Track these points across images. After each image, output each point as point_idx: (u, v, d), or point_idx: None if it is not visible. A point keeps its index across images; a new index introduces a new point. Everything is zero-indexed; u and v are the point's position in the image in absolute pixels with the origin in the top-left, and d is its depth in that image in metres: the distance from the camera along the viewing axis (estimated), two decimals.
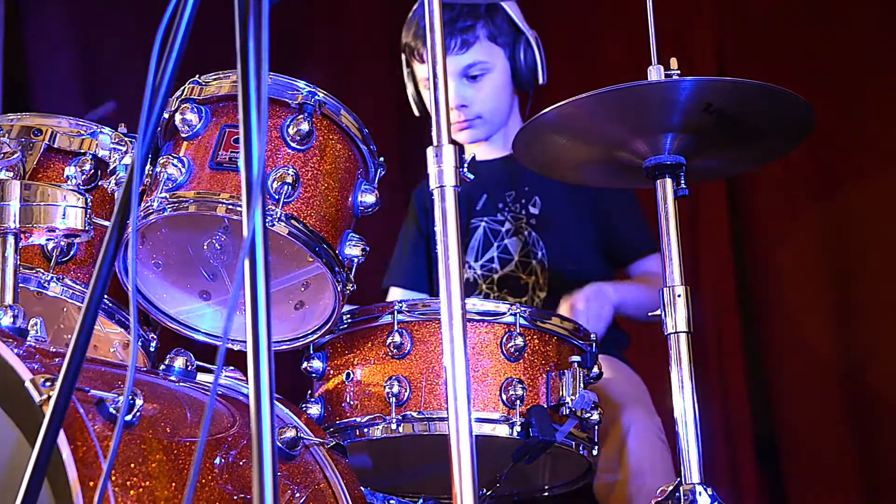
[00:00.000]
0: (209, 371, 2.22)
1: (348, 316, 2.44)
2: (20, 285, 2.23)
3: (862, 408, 3.82)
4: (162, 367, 2.21)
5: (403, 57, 3.38)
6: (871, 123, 3.86)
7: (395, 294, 3.43)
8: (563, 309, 3.03)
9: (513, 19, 3.30)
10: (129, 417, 1.86)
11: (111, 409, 1.86)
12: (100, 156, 2.36)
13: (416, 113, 3.41)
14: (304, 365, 2.48)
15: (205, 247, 2.37)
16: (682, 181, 2.45)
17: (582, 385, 2.42)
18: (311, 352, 2.47)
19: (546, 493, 2.76)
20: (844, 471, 3.82)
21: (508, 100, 3.36)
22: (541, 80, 3.32)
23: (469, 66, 3.28)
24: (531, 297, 3.22)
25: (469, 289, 3.30)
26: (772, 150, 2.68)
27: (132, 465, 1.84)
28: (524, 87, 3.35)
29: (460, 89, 3.28)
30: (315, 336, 2.38)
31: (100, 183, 2.36)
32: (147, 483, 1.83)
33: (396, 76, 3.45)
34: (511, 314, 2.42)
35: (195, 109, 2.26)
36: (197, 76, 2.30)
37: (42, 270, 2.35)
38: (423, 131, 2.11)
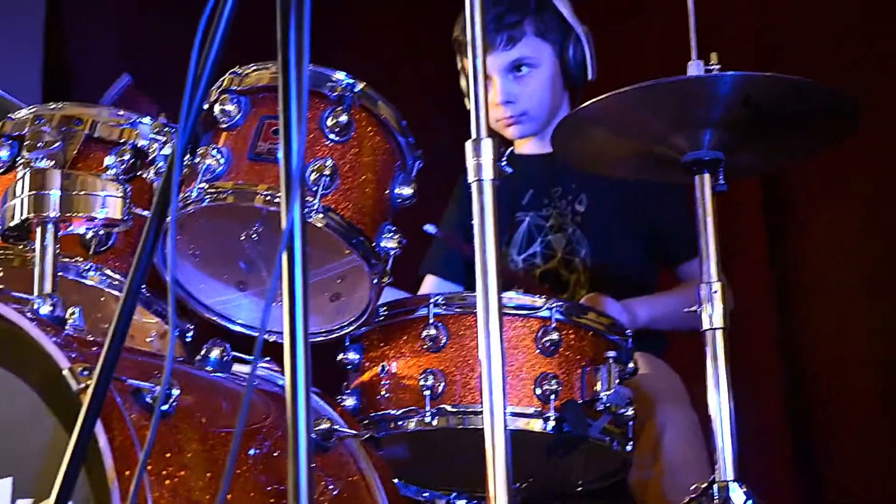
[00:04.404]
0: (245, 362, 2.23)
1: (384, 308, 2.44)
2: (59, 274, 2.24)
3: None
4: (198, 357, 2.21)
5: (456, 51, 3.36)
6: None
7: (431, 283, 3.41)
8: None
9: (562, 14, 3.28)
10: (165, 407, 1.87)
11: (148, 399, 1.87)
12: (140, 146, 2.35)
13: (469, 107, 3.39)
14: (340, 356, 2.48)
15: (242, 237, 2.37)
16: (721, 177, 2.44)
17: (617, 381, 2.41)
18: (348, 343, 2.48)
19: (580, 489, 2.75)
20: (883, 467, 3.78)
21: (557, 95, 3.34)
22: (590, 76, 3.30)
23: (514, 62, 3.26)
24: (572, 295, 3.21)
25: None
26: (812, 145, 2.66)
27: (168, 455, 1.84)
28: (573, 82, 3.33)
29: (506, 85, 3.26)
30: (350, 328, 2.38)
31: (139, 173, 2.36)
32: (182, 473, 1.84)
33: (429, 68, 3.43)
34: (547, 308, 2.41)
35: (234, 100, 2.26)
36: (237, 66, 2.30)
37: (81, 259, 2.36)
38: (461, 123, 2.10)
